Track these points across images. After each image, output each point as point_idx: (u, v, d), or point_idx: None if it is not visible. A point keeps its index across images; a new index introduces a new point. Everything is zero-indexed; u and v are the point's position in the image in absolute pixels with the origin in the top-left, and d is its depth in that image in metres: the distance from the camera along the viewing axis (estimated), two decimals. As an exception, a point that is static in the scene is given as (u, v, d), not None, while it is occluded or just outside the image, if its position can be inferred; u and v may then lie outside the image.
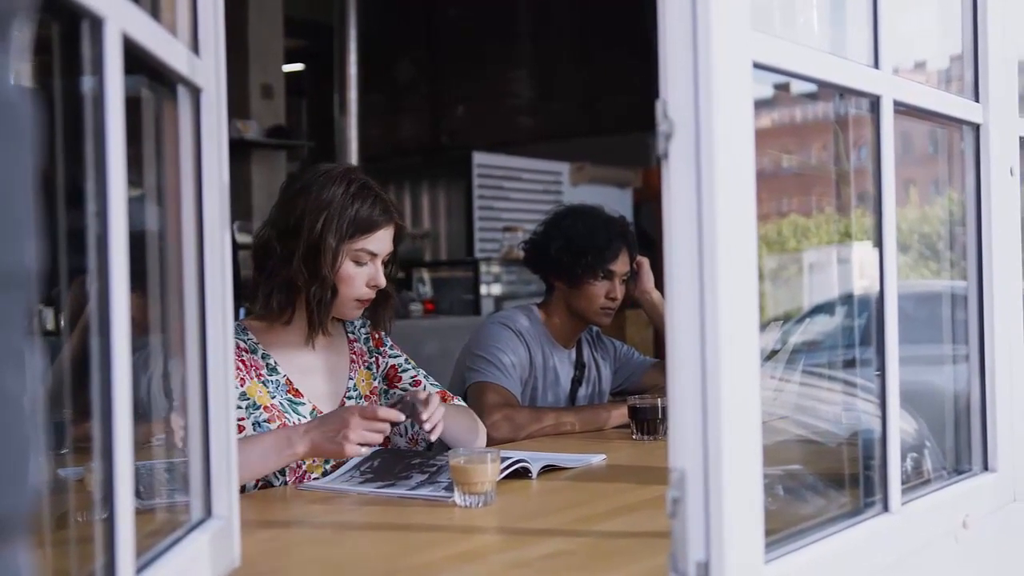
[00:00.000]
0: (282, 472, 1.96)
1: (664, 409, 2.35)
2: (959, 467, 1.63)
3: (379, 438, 1.83)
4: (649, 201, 7.57)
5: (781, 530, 1.17)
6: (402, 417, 1.85)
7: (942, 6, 1.81)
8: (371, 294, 2.06)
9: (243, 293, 2.40)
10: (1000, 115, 1.63)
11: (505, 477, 1.83)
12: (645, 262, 2.83)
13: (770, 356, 1.49)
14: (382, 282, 2.05)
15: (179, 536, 1.15)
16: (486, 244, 7.54)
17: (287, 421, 1.99)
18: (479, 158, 7.67)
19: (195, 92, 1.21)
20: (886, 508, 1.34)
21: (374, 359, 2.21)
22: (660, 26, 1.03)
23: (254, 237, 2.17)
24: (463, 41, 9.15)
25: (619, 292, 2.72)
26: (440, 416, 1.94)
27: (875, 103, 1.36)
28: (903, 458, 1.40)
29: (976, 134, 1.62)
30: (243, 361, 1.99)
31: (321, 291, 1.99)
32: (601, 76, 8.54)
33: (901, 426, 1.37)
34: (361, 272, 2.03)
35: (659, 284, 2.76)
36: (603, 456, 2.14)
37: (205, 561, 1.17)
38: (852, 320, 1.52)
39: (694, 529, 1.02)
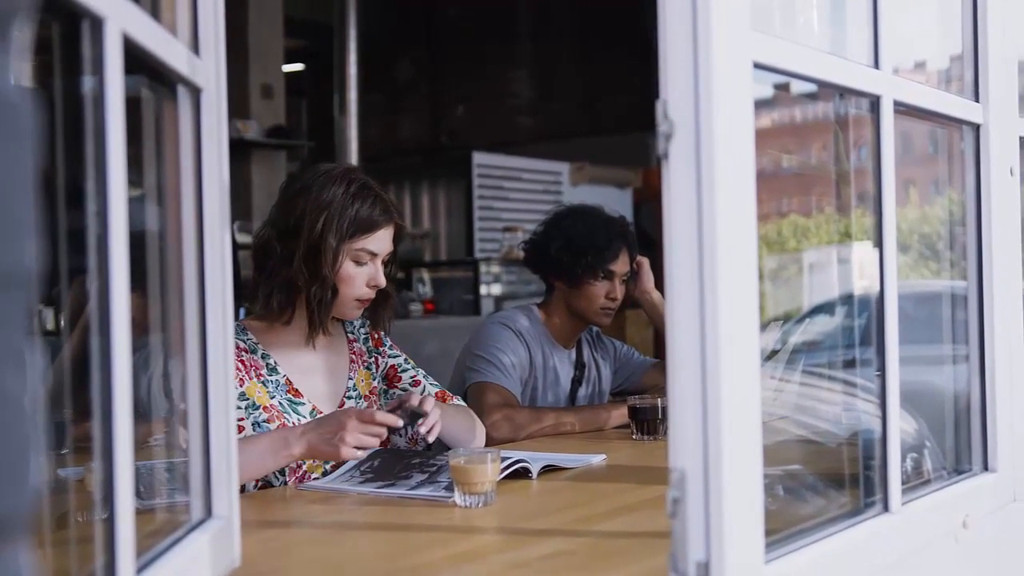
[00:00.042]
0: (282, 472, 1.96)
1: (664, 409, 2.35)
2: (959, 467, 1.63)
3: (375, 442, 1.82)
4: (649, 201, 7.57)
5: (781, 530, 1.17)
6: (400, 423, 1.84)
7: (942, 6, 1.81)
8: (371, 294, 2.06)
9: (243, 293, 2.40)
10: (1000, 115, 1.63)
11: (505, 477, 1.83)
12: (645, 262, 2.83)
13: (770, 356, 1.49)
14: (382, 282, 2.05)
15: (179, 536, 1.15)
16: (486, 244, 7.54)
17: (287, 421, 1.99)
18: (479, 158, 7.67)
19: (195, 92, 1.21)
20: (886, 508, 1.34)
21: (373, 359, 2.21)
22: (660, 26, 1.03)
23: (254, 237, 2.17)
24: (463, 41, 9.15)
25: (619, 292, 2.72)
26: (436, 418, 1.94)
27: (875, 103, 1.36)
28: (903, 458, 1.40)
29: (976, 134, 1.62)
30: (243, 361, 1.99)
31: (321, 291, 1.99)
32: (601, 76, 8.54)
33: (901, 426, 1.37)
34: (361, 272, 2.03)
35: (659, 284, 2.76)
36: (603, 456, 2.14)
37: (205, 561, 1.17)
38: (852, 320, 1.52)
39: (694, 529, 1.02)
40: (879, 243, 1.35)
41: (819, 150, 1.64)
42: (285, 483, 1.97)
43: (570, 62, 8.90)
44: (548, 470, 1.97)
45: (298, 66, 8.59)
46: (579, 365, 2.82)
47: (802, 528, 1.22)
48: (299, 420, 2.01)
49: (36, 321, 0.67)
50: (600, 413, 2.60)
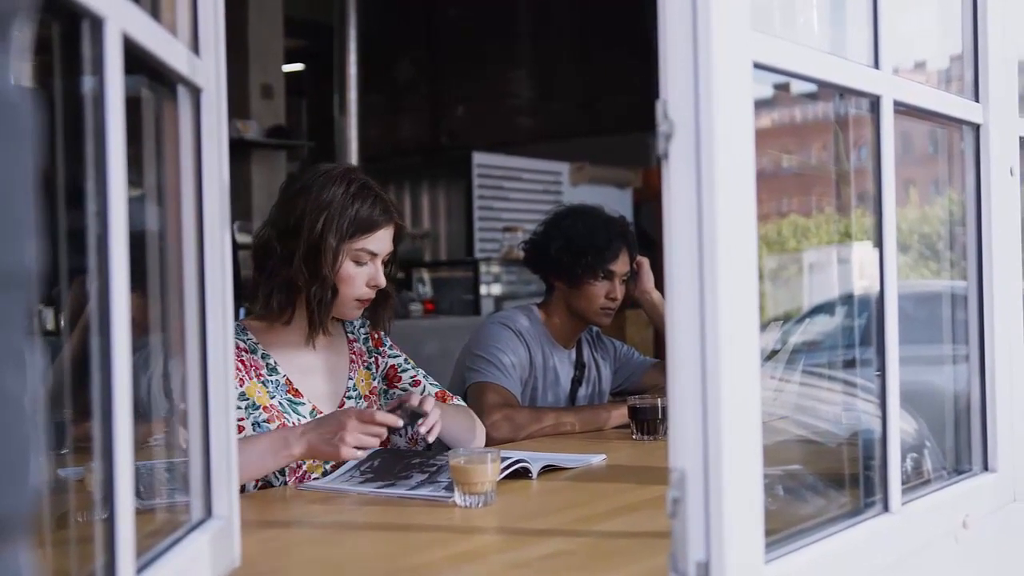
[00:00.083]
0: (282, 472, 1.96)
1: (664, 409, 2.35)
2: (959, 467, 1.63)
3: (375, 442, 1.82)
4: (649, 201, 7.57)
5: (781, 530, 1.17)
6: (400, 423, 1.84)
7: (942, 6, 1.81)
8: (371, 294, 2.06)
9: (243, 293, 2.40)
10: (1000, 115, 1.63)
11: (505, 477, 1.83)
12: (645, 262, 2.83)
13: (770, 356, 1.49)
14: (382, 282, 2.06)
15: (179, 536, 1.15)
16: (486, 244, 7.54)
17: (286, 421, 1.99)
18: (479, 158, 7.67)
19: (195, 92, 1.21)
20: (886, 508, 1.34)
21: (373, 359, 2.21)
22: (660, 26, 1.03)
23: (254, 237, 2.17)
24: (463, 41, 9.15)
25: (619, 292, 2.72)
26: (436, 418, 1.94)
27: (875, 103, 1.36)
28: (903, 458, 1.40)
29: (976, 134, 1.62)
30: (242, 361, 1.99)
31: (322, 291, 1.99)
32: (601, 76, 8.54)
33: (901, 426, 1.37)
34: (361, 272, 2.03)
35: (659, 284, 2.76)
36: (603, 456, 2.14)
37: (205, 561, 1.17)
38: (852, 320, 1.52)
39: (694, 529, 1.02)
40: (879, 243, 1.35)
41: (819, 150, 1.64)
42: (285, 483, 1.97)
43: (570, 62, 8.90)
44: (548, 470, 1.97)
45: (298, 66, 8.59)
46: (579, 365, 2.82)
47: (802, 528, 1.22)
48: (299, 420, 2.01)
49: (36, 321, 0.67)
50: (600, 413, 2.60)
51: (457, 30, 9.24)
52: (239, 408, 1.93)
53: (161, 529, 1.17)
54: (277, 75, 7.00)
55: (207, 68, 1.23)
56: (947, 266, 1.74)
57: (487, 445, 2.30)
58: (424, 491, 1.77)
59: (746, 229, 1.06)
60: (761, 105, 1.12)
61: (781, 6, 1.43)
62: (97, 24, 0.89)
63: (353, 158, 6.66)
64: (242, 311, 2.58)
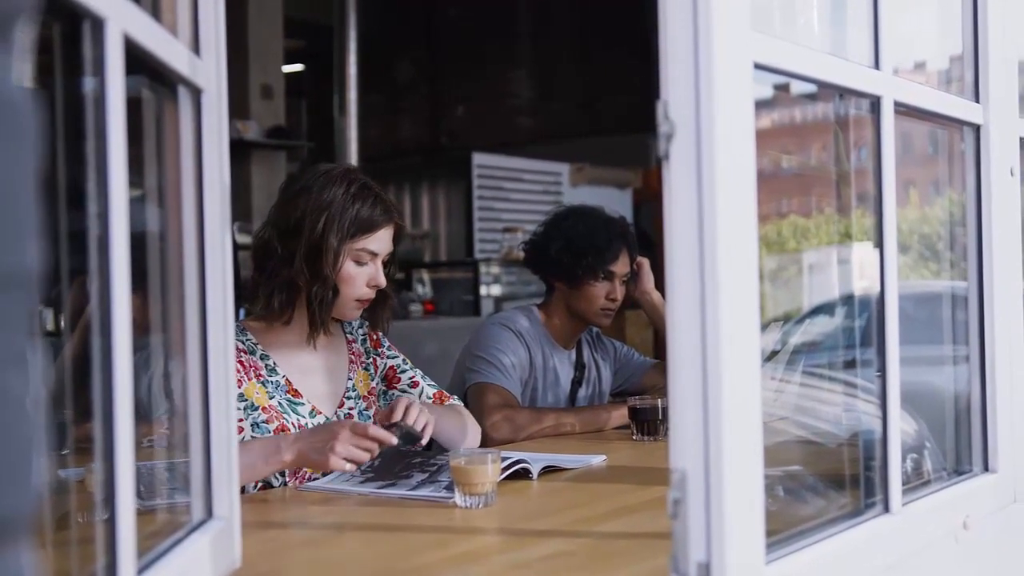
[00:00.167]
0: (282, 473, 1.96)
1: (664, 410, 2.35)
2: (959, 468, 1.63)
3: (365, 457, 1.80)
4: (649, 202, 7.57)
5: (782, 531, 1.17)
6: (394, 441, 1.82)
7: (942, 6, 1.81)
8: (371, 294, 2.06)
9: (243, 294, 2.40)
10: (1000, 116, 1.63)
11: (505, 478, 1.83)
12: (645, 263, 2.83)
13: (770, 357, 1.49)
14: (382, 282, 2.06)
15: (180, 537, 1.15)
16: (486, 245, 7.53)
17: (286, 422, 1.99)
18: (479, 159, 7.66)
19: (196, 92, 1.21)
20: (887, 509, 1.34)
21: (372, 360, 2.21)
22: (661, 27, 1.03)
23: (254, 237, 2.17)
24: (463, 41, 9.15)
25: (619, 293, 2.72)
26: (427, 418, 1.93)
27: (875, 104, 1.36)
28: (903, 459, 1.40)
29: (976, 135, 1.62)
30: (241, 362, 1.99)
31: (323, 291, 2.00)
32: (601, 76, 8.54)
33: (901, 427, 1.37)
34: (362, 272, 2.03)
35: (659, 285, 2.76)
36: (603, 457, 2.14)
37: (206, 562, 1.17)
38: (852, 321, 1.52)
39: (695, 530, 1.02)
40: (880, 244, 1.35)
41: (819, 151, 1.64)
42: (285, 484, 1.97)
43: (570, 62, 8.90)
44: (548, 471, 1.97)
45: (298, 66, 8.59)
46: (579, 366, 2.82)
47: (803, 529, 1.22)
48: (298, 420, 2.01)
49: (37, 322, 0.67)
50: (600, 414, 2.60)
51: (457, 30, 9.23)
52: (238, 409, 1.93)
53: (162, 530, 1.17)
54: (277, 75, 7.00)
55: (208, 68, 1.23)
56: (947, 267, 1.74)
57: (487, 446, 2.30)
58: (425, 491, 1.77)
59: (746, 230, 1.06)
60: (761, 105, 1.12)
61: (781, 6, 1.44)
62: (98, 25, 0.89)
63: (353, 158, 6.66)
64: (242, 312, 2.58)
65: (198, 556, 1.15)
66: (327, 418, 2.06)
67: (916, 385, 1.50)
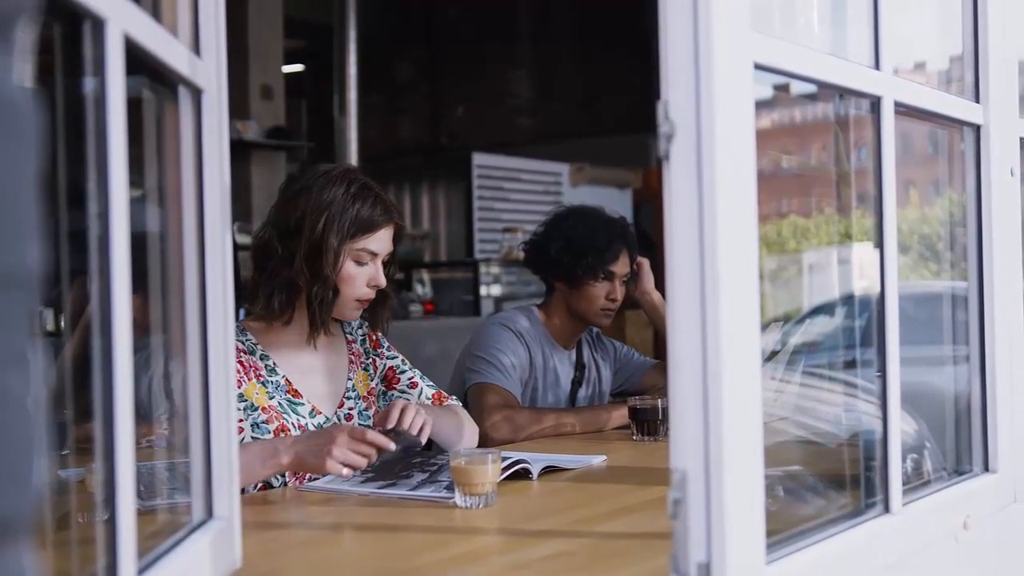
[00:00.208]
0: (282, 473, 1.96)
1: (664, 410, 2.35)
2: (960, 468, 1.63)
3: (362, 462, 1.79)
4: (649, 202, 7.57)
5: (782, 531, 1.17)
6: (392, 446, 1.81)
7: (942, 6, 1.81)
8: (371, 294, 2.06)
9: (243, 294, 2.40)
10: (1000, 116, 1.63)
11: (506, 478, 1.83)
12: (645, 263, 2.83)
13: (770, 357, 1.49)
14: (382, 282, 2.06)
15: (180, 537, 1.15)
16: (486, 245, 7.53)
17: (286, 422, 1.99)
18: (479, 159, 7.66)
19: (196, 93, 1.21)
20: (887, 509, 1.34)
21: (371, 360, 2.21)
22: (661, 27, 1.03)
23: (254, 238, 2.17)
24: (463, 41, 9.15)
25: (619, 293, 2.72)
26: (424, 418, 1.93)
27: (875, 104, 1.36)
28: (904, 459, 1.40)
29: (976, 135, 1.62)
30: (241, 363, 1.99)
31: (323, 291, 2.00)
32: (601, 76, 8.54)
33: (901, 427, 1.37)
34: (362, 272, 2.03)
35: (659, 285, 2.76)
36: (603, 457, 2.14)
37: (206, 562, 1.17)
38: (852, 321, 1.52)
39: (695, 530, 1.02)
40: (880, 244, 1.35)
41: (819, 151, 1.64)
42: (286, 484, 1.97)
43: (570, 62, 8.90)
44: (548, 471, 1.97)
45: (298, 67, 8.59)
46: (579, 366, 2.82)
47: (803, 529, 1.22)
48: (298, 420, 2.01)
49: (37, 322, 0.67)
50: (600, 414, 2.60)
51: (457, 30, 9.23)
52: (238, 409, 1.93)
53: (162, 530, 1.17)
54: (277, 76, 7.00)
55: (208, 69, 1.23)
56: (947, 267, 1.74)
57: (487, 446, 2.30)
58: (425, 491, 1.77)
59: (747, 230, 1.06)
60: (761, 106, 1.12)
61: (781, 6, 1.44)
62: (98, 25, 0.89)
63: (353, 159, 6.66)
64: (242, 312, 2.58)
65: (198, 556, 1.15)
66: (327, 418, 2.06)
67: (916, 385, 1.50)
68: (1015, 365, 1.64)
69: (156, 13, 1.10)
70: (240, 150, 6.51)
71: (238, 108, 6.55)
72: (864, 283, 1.45)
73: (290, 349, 2.07)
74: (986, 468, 1.61)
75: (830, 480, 1.48)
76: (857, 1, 1.42)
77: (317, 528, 1.68)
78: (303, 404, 2.04)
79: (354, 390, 2.14)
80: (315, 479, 1.96)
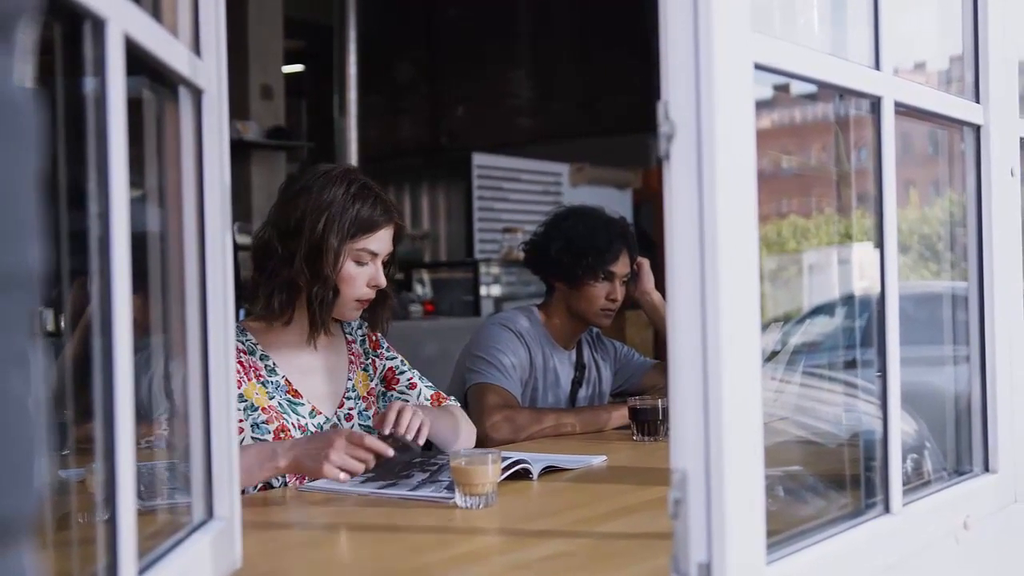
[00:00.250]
0: (281, 475, 1.96)
1: (665, 410, 2.35)
2: (960, 468, 1.63)
3: (360, 467, 1.78)
4: (649, 202, 7.57)
5: (782, 531, 1.17)
6: (390, 452, 1.81)
7: (942, 6, 1.81)
8: (371, 294, 2.06)
9: (243, 294, 2.40)
10: (1000, 116, 1.63)
11: (506, 478, 1.83)
12: (645, 263, 2.83)
13: (770, 357, 1.49)
14: (383, 282, 2.06)
15: (181, 537, 1.15)
16: (486, 245, 7.54)
17: (286, 422, 1.99)
18: (479, 159, 7.67)
19: (196, 93, 1.21)
20: (887, 509, 1.34)
21: (370, 361, 2.21)
22: (661, 27, 1.03)
23: (254, 238, 2.17)
24: (463, 41, 9.15)
25: (619, 293, 2.71)
26: (421, 419, 1.93)
27: (876, 104, 1.36)
28: (904, 459, 1.40)
29: (976, 135, 1.62)
30: (241, 363, 1.99)
31: (323, 291, 2.00)
32: (601, 76, 8.54)
33: (902, 427, 1.37)
34: (362, 272, 2.03)
35: (659, 285, 2.76)
36: (604, 457, 2.14)
37: (207, 562, 1.17)
38: (852, 321, 1.52)
39: (696, 530, 1.02)
40: (880, 244, 1.35)
41: (819, 151, 1.64)
42: (286, 484, 1.97)
43: (570, 62, 8.90)
44: (549, 471, 1.97)
45: (298, 67, 8.59)
46: (579, 366, 2.82)
47: (803, 529, 1.22)
48: (298, 420, 2.01)
49: (38, 322, 0.67)
50: (600, 414, 2.60)
51: (457, 30, 9.23)
52: (238, 410, 1.93)
53: (163, 530, 1.17)
54: (277, 76, 7.00)
55: (208, 69, 1.23)
56: (947, 267, 1.74)
57: (487, 446, 2.29)
58: (425, 491, 1.77)
59: (747, 230, 1.06)
60: (761, 106, 1.12)
61: (781, 7, 1.44)
62: (99, 25, 0.89)
63: (353, 159, 6.66)
64: (242, 312, 2.58)
65: (199, 556, 1.15)
66: (327, 418, 2.06)
67: (916, 385, 1.50)
68: (1015, 365, 1.64)
69: (156, 13, 1.10)
70: (240, 150, 6.51)
71: (238, 108, 6.55)
72: (864, 283, 1.45)
73: (290, 349, 2.07)
74: (986, 468, 1.61)
75: (830, 480, 1.48)
76: (857, 1, 1.42)
77: (317, 528, 1.68)
78: (303, 404, 2.04)
79: (354, 390, 2.14)
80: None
